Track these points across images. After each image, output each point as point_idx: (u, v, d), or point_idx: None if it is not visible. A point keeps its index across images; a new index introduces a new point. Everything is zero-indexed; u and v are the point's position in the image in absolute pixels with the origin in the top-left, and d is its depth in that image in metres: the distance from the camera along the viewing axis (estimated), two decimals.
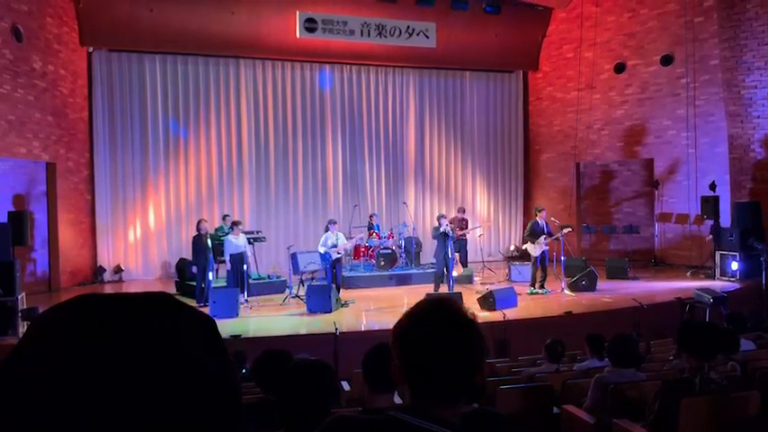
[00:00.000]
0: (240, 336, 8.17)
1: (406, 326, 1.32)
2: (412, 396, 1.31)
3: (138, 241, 14.18)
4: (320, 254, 11.21)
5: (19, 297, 8.71)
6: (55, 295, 11.82)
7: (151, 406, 0.60)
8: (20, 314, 8.51)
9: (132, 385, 0.60)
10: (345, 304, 10.66)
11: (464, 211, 13.77)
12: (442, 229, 11.03)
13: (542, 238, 11.34)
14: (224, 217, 12.43)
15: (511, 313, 9.28)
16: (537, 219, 11.66)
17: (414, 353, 1.29)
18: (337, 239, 11.11)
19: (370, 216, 14.13)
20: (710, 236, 13.44)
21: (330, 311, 9.90)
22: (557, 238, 11.51)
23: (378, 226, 13.90)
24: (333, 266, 11.08)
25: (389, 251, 13.21)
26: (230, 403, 0.67)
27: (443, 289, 11.06)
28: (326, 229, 11.28)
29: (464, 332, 1.30)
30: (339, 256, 11.21)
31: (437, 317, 1.31)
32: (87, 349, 0.61)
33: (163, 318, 0.66)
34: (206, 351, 0.67)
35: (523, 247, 12.21)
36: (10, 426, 0.59)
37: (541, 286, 11.50)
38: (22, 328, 8.46)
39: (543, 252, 11.42)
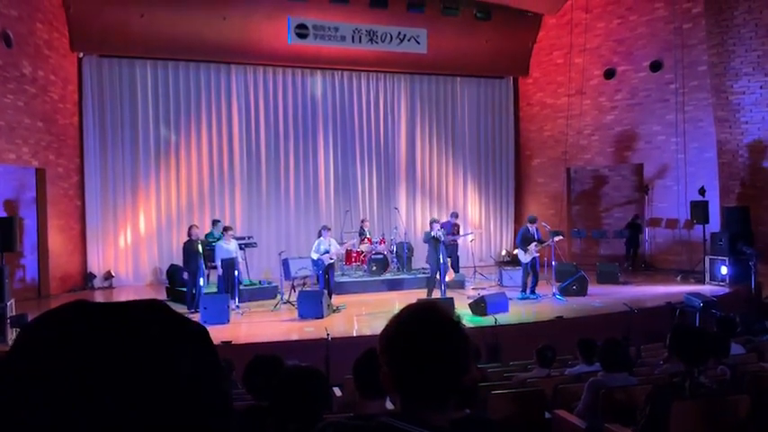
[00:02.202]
0: (231, 342, 8.14)
1: (393, 333, 1.33)
2: (402, 401, 1.32)
3: (129, 247, 14.09)
4: (313, 260, 11.19)
5: (8, 304, 8.65)
6: (44, 302, 11.71)
7: (151, 406, 0.61)
8: (9, 321, 8.45)
9: (131, 386, 0.61)
10: (337, 310, 10.63)
11: (456, 216, 13.76)
12: (433, 234, 11.03)
13: (533, 245, 11.36)
14: (213, 222, 12.36)
15: (502, 318, 9.30)
16: (528, 226, 11.68)
17: (402, 358, 1.30)
18: (330, 245, 11.09)
19: (362, 221, 14.12)
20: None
21: (322, 317, 9.87)
22: (547, 245, 11.54)
23: (369, 231, 13.89)
24: (326, 272, 11.07)
25: (381, 256, 13.21)
26: (226, 407, 0.69)
27: (436, 294, 11.05)
28: (319, 235, 11.27)
29: (450, 335, 1.31)
30: (332, 261, 11.19)
31: (422, 321, 1.32)
32: (85, 352, 0.61)
33: (156, 323, 0.67)
34: (200, 357, 0.68)
35: (514, 252, 12.25)
36: (10, 425, 0.59)
37: (532, 291, 11.51)
38: (12, 334, 8.40)
39: (534, 258, 11.46)
